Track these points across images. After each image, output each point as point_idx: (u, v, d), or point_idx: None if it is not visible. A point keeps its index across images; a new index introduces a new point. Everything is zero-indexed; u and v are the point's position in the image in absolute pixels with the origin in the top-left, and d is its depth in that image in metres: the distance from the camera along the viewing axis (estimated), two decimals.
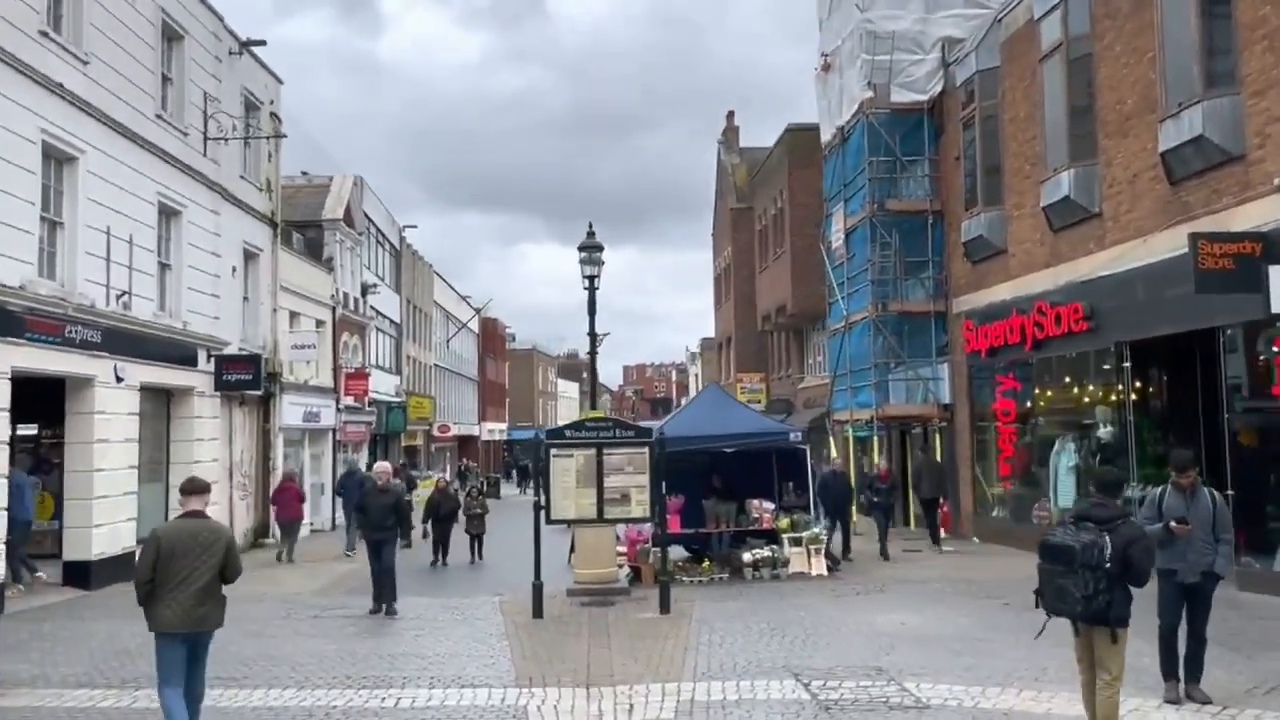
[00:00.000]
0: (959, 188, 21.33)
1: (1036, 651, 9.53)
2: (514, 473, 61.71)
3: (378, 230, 36.67)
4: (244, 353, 21.37)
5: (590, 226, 15.47)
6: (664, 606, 12.76)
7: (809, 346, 34.80)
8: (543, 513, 12.95)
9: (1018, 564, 17.01)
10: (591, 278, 15.41)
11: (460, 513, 20.36)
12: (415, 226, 41.98)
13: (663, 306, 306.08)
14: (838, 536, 17.87)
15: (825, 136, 26.10)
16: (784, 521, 16.60)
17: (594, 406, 15.91)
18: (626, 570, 15.84)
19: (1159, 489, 8.51)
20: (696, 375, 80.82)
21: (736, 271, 41.67)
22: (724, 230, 44.33)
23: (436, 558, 19.41)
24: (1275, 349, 12.40)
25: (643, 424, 14.05)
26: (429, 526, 19.67)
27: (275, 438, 23.95)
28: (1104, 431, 16.75)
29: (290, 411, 24.73)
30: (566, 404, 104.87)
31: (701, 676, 9.15)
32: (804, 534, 16.37)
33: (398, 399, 38.66)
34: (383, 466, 14.81)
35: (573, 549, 19.43)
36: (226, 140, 20.27)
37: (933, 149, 22.42)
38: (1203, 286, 12.20)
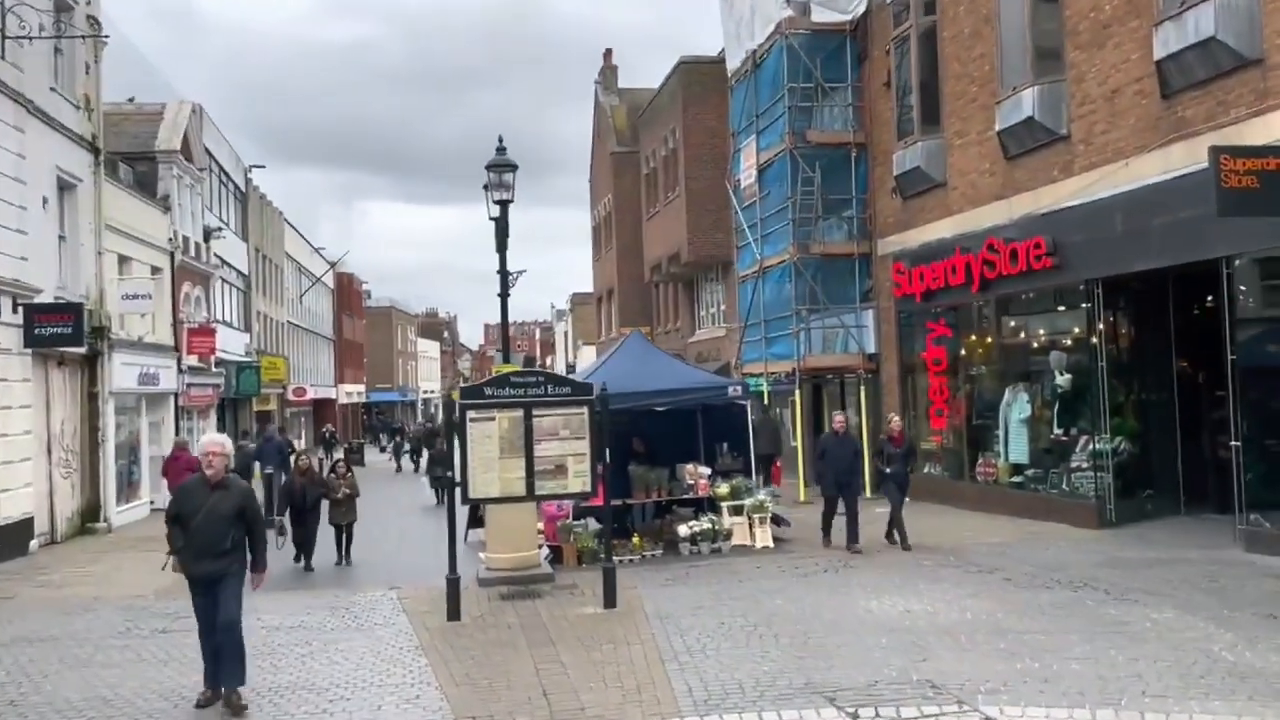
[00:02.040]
0: (887, 117, 19.55)
1: (1099, 645, 7.76)
2: (383, 437, 58.16)
3: (221, 169, 32.53)
4: (61, 301, 17.71)
5: (500, 141, 12.82)
6: (609, 599, 10.48)
7: (701, 297, 32.87)
8: (456, 490, 10.41)
9: (968, 524, 15.55)
10: (503, 203, 12.75)
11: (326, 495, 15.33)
12: (264, 167, 37.75)
13: (514, 265, 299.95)
14: (839, 522, 13.72)
15: (733, 64, 23.91)
16: (723, 488, 14.53)
17: (507, 358, 13.36)
18: (546, 551, 13.47)
19: None
20: (566, 333, 78.30)
21: (619, 220, 39.29)
22: (604, 176, 41.80)
23: (300, 560, 14.78)
24: None
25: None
26: (287, 521, 14.41)
27: (104, 404, 20.31)
28: (1062, 379, 15.32)
29: (122, 373, 21.07)
30: (428, 364, 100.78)
31: (706, 708, 6.91)
32: (746, 501, 14.34)
33: (249, 359, 34.78)
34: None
35: (472, 524, 17.01)
36: (30, 40, 16.47)
37: (855, 75, 20.55)
38: (1226, 208, 10.61)
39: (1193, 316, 14.66)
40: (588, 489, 10.58)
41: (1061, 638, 8.17)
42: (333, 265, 57.48)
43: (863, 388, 20.46)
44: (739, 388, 14.79)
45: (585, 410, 10.59)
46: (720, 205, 29.32)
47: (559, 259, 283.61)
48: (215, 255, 29.92)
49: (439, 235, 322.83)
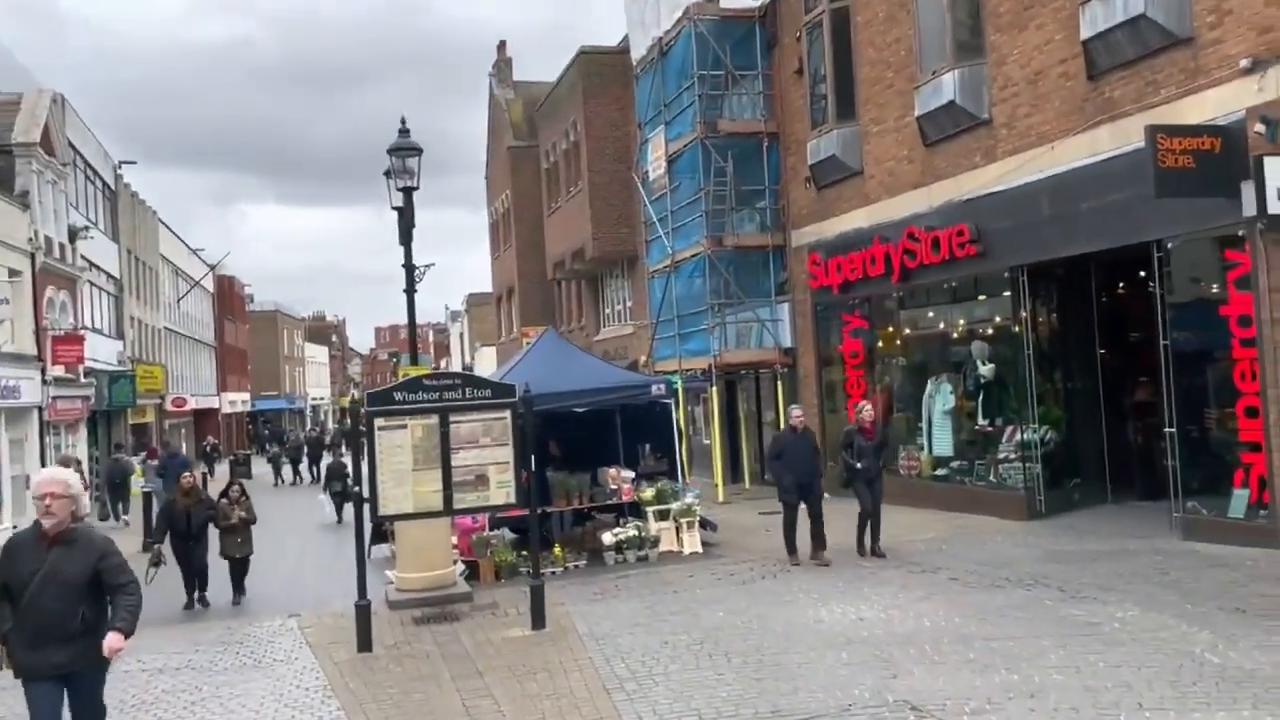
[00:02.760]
0: (799, 106, 19.10)
1: (1074, 651, 7.28)
2: (270, 447, 55.80)
3: (87, 164, 30.24)
4: None
5: (403, 122, 11.71)
6: (537, 619, 9.60)
7: (606, 294, 32.09)
8: (364, 507, 9.37)
9: (897, 519, 15.08)
10: (407, 190, 11.65)
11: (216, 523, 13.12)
12: (134, 162, 35.29)
13: (401, 269, 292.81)
14: (804, 528, 12.14)
15: (638, 52, 23.18)
16: (648, 492, 13.78)
17: (415, 359, 12.27)
18: (461, 567, 12.48)
19: None
20: (462, 335, 76.47)
21: (518, 216, 38.19)
22: (501, 172, 40.62)
23: (191, 598, 12.88)
24: (1232, 261, 10.81)
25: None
26: (166, 549, 12.65)
27: None
28: (985, 369, 15.06)
29: None
30: (316, 370, 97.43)
31: None
32: (673, 506, 13.61)
33: (122, 368, 32.47)
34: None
35: (374, 539, 15.84)
36: None
37: (766, 63, 20.05)
38: (1164, 189, 10.37)
39: (1114, 301, 14.58)
40: (512, 500, 9.67)
41: (1033, 644, 7.66)
42: (213, 268, 54.67)
43: (780, 383, 19.98)
44: (662, 386, 14.04)
45: (507, 414, 9.68)
46: (625, 199, 28.62)
47: (451, 260, 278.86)
48: (82, 257, 27.74)
49: (323, 237, 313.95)
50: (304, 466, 36.99)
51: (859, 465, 12.19)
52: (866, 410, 12.65)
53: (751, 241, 20.00)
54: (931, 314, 16.64)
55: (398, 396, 9.41)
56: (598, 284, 32.72)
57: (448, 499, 9.45)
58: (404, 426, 9.40)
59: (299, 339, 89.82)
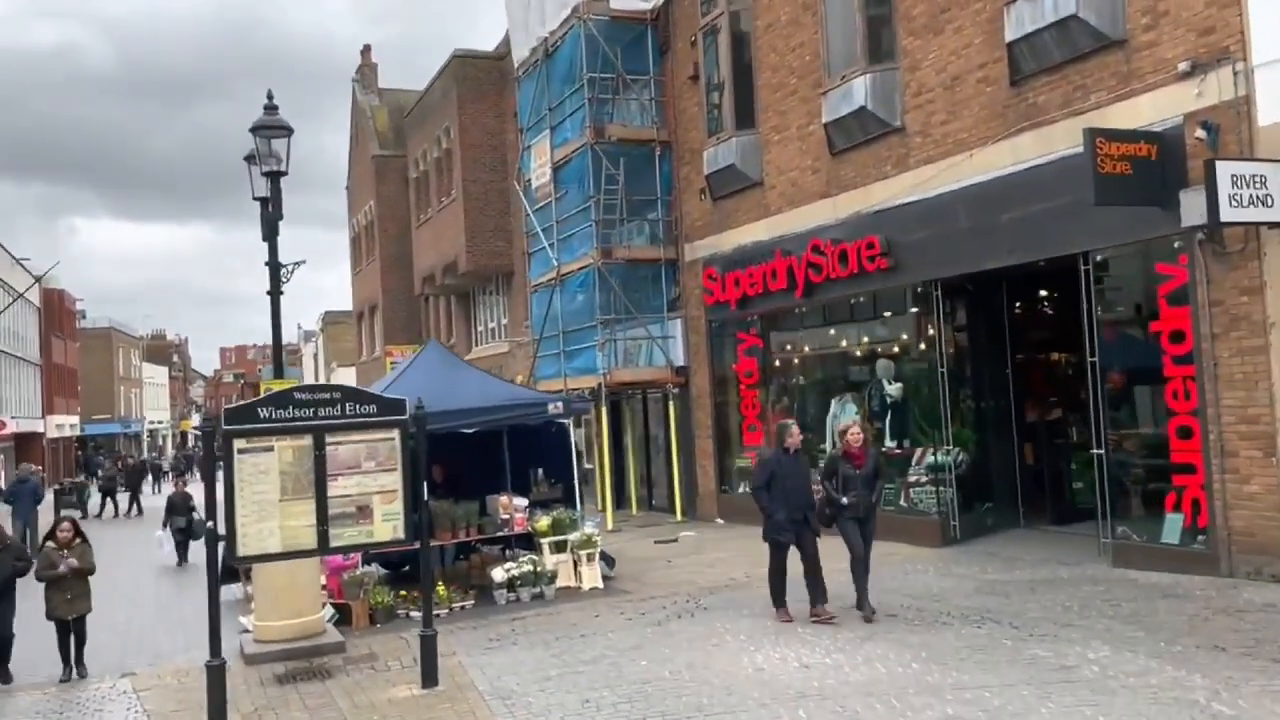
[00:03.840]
0: (694, 113, 18.24)
1: (1064, 702, 6.42)
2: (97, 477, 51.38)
3: None
4: None
5: (270, 97, 10.06)
6: (429, 675, 8.16)
7: (479, 311, 30.55)
8: (218, 545, 7.75)
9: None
10: (274, 174, 9.98)
11: (34, 575, 9.74)
12: None
13: (248, 287, 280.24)
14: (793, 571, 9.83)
15: (520, 53, 21.93)
16: (543, 521, 12.45)
17: (279, 371, 10.50)
18: (330, 611, 10.86)
19: None
20: (316, 355, 72.84)
21: (383, 229, 36.19)
22: (364, 182, 38.51)
23: None
24: (1164, 274, 10.38)
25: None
26: None
27: None
28: (892, 388, 14.42)
29: None
30: (154, 391, 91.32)
31: None
32: (570, 537, 12.33)
33: None
34: None
35: (222, 577, 13.93)
36: None
37: (658, 68, 19.15)
38: (1104, 196, 9.84)
39: (1026, 317, 14.19)
40: (400, 535, 8.21)
41: (1011, 694, 6.76)
42: (38, 279, 50.20)
43: (671, 403, 18.98)
44: (559, 404, 12.75)
45: (396, 434, 8.24)
46: (500, 210, 27.26)
47: (301, 279, 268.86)
48: None
49: (161, 254, 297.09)
50: (124, 498, 32.60)
51: (845, 500, 9.55)
52: (854, 431, 9.91)
53: (643, 254, 18.99)
54: (834, 331, 15.96)
55: (263, 413, 7.84)
56: (470, 300, 31.15)
57: (323, 535, 7.93)
58: (270, 449, 7.84)
59: (136, 359, 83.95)
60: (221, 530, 7.68)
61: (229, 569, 13.83)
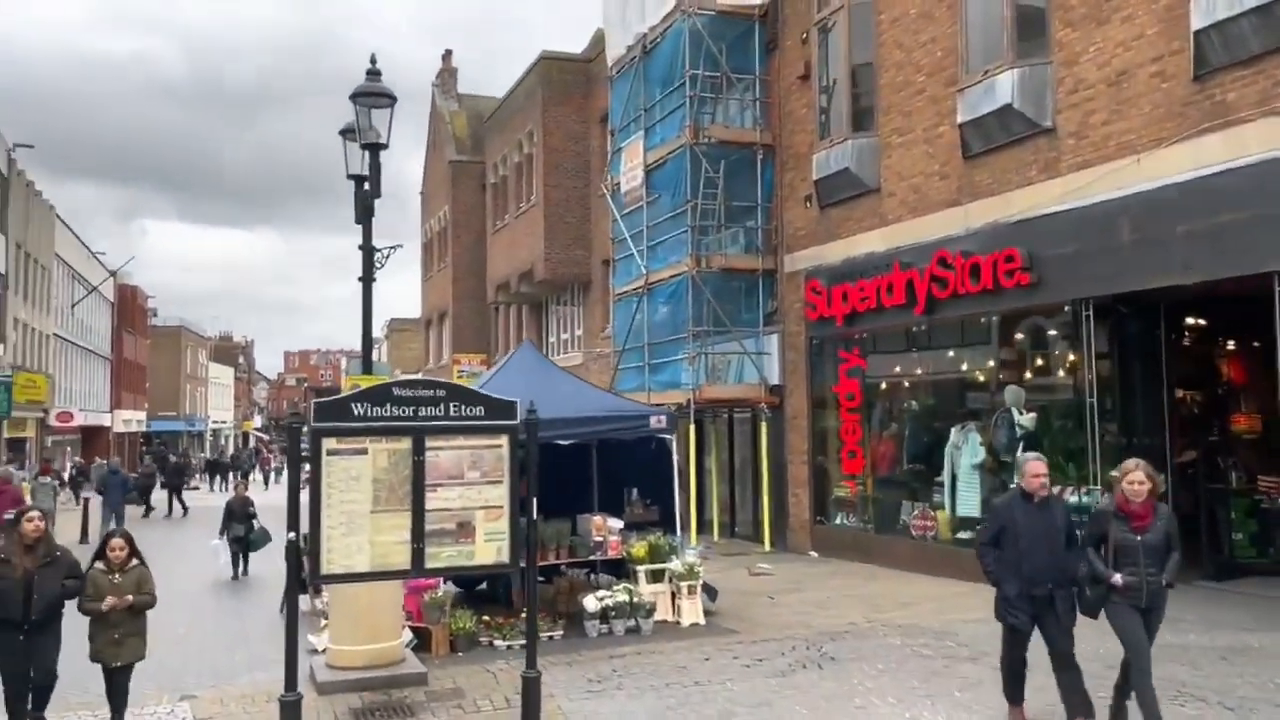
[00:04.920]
0: (802, 115, 17.06)
1: None
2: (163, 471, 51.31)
3: None
4: None
5: (373, 61, 9.08)
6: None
7: (552, 321, 29.60)
8: (299, 561, 6.70)
9: (919, 590, 12.93)
10: (373, 146, 9.00)
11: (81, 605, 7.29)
12: (31, 146, 31.64)
13: (310, 295, 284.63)
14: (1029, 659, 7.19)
15: (615, 51, 20.97)
16: (638, 547, 11.27)
17: (369, 367, 9.46)
18: (409, 635, 9.78)
19: None
20: (380, 361, 72.79)
21: (456, 235, 35.50)
22: (440, 188, 37.91)
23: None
24: None
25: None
26: None
27: None
28: (1025, 419, 13.01)
29: None
30: (220, 391, 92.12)
31: None
32: (671, 565, 11.13)
33: (1, 374, 28.64)
34: None
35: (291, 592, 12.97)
36: None
37: (763, 68, 18.02)
38: None
39: (1185, 344, 12.74)
40: (505, 558, 7.09)
41: None
42: (113, 273, 50.56)
43: (762, 424, 17.70)
44: (662, 418, 11.59)
45: (504, 441, 7.14)
46: (581, 218, 26.33)
47: (358, 287, 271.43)
48: None
49: (228, 259, 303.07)
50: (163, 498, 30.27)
51: (1117, 579, 6.53)
52: (1135, 476, 6.60)
53: (739, 264, 17.80)
54: (953, 353, 14.61)
55: (357, 409, 6.79)
56: (542, 309, 30.25)
57: (418, 554, 6.84)
58: (363, 451, 6.79)
59: (203, 358, 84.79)
60: (305, 543, 6.64)
61: (302, 579, 12.96)
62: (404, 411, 6.90)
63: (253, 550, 16.19)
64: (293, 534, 6.62)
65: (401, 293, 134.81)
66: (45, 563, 7.12)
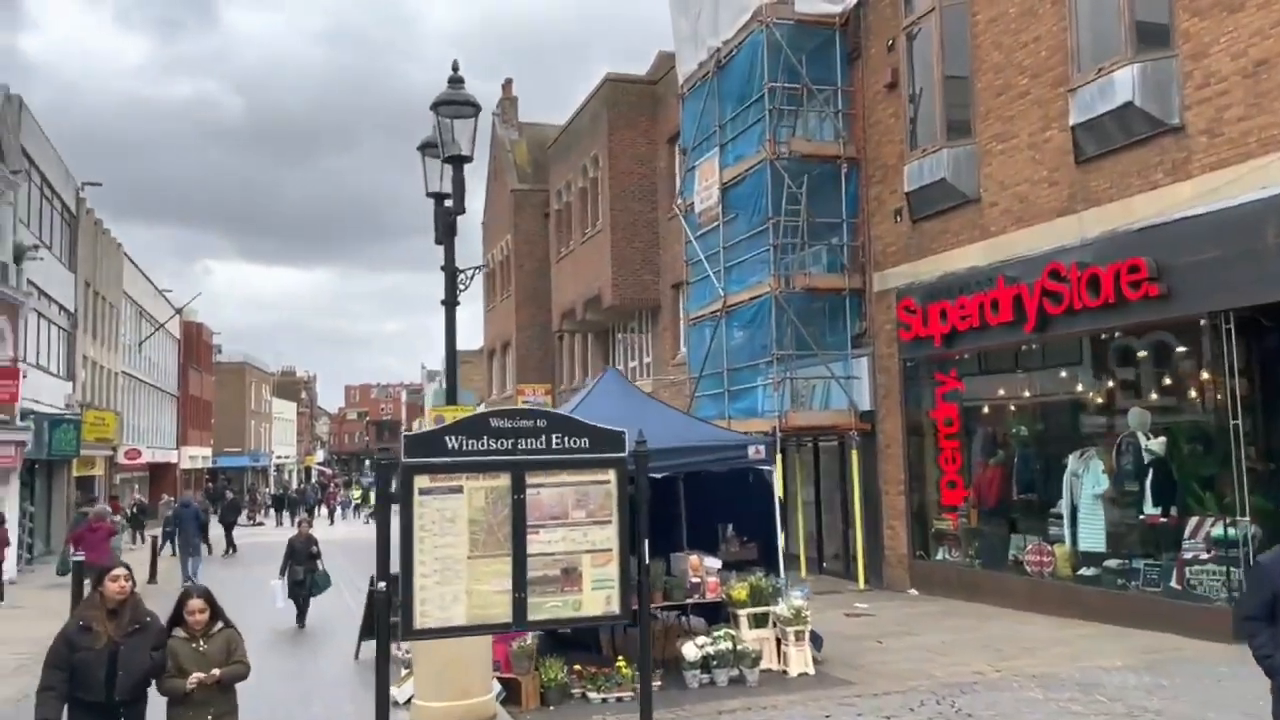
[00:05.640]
0: (889, 125, 16.20)
1: None
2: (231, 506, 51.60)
3: (44, 179, 26.85)
4: None
5: (455, 68, 8.46)
6: None
7: (618, 349, 28.89)
8: (388, 612, 5.94)
9: (1040, 633, 11.83)
10: (456, 159, 8.33)
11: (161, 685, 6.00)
12: (100, 184, 31.93)
13: (366, 330, 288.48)
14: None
15: (687, 67, 20.33)
16: (739, 589, 10.38)
17: (453, 396, 8.74)
18: (498, 688, 8.99)
19: None
20: (439, 394, 72.83)
21: (519, 264, 35.08)
22: (502, 217, 37.59)
23: None
24: None
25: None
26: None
27: None
28: (1154, 444, 11.91)
29: None
30: (283, 426, 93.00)
31: None
32: (778, 609, 10.21)
33: (68, 412, 28.68)
34: None
35: (365, 632, 12.28)
36: None
37: (845, 78, 17.22)
38: None
39: None
40: (615, 609, 6.27)
41: None
42: (179, 311, 51.06)
43: (853, 453, 16.71)
44: (760, 448, 10.73)
45: (612, 475, 6.34)
46: (649, 242, 25.66)
47: (418, 324, 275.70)
48: (29, 282, 24.20)
49: (285, 296, 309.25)
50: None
51: None
52: None
53: (824, 283, 16.90)
54: (1066, 373, 13.56)
55: (450, 442, 6.05)
56: (608, 336, 29.57)
57: (520, 605, 6.04)
58: (458, 490, 6.03)
59: (267, 394, 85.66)
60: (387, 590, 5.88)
61: (372, 621, 12.24)
62: (502, 444, 6.14)
63: (314, 594, 15.10)
64: (383, 583, 5.87)
65: (469, 322, 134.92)
66: (132, 630, 5.93)
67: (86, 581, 14.96)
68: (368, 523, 48.09)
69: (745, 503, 11.64)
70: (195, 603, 6.14)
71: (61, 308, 29.12)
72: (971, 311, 14.09)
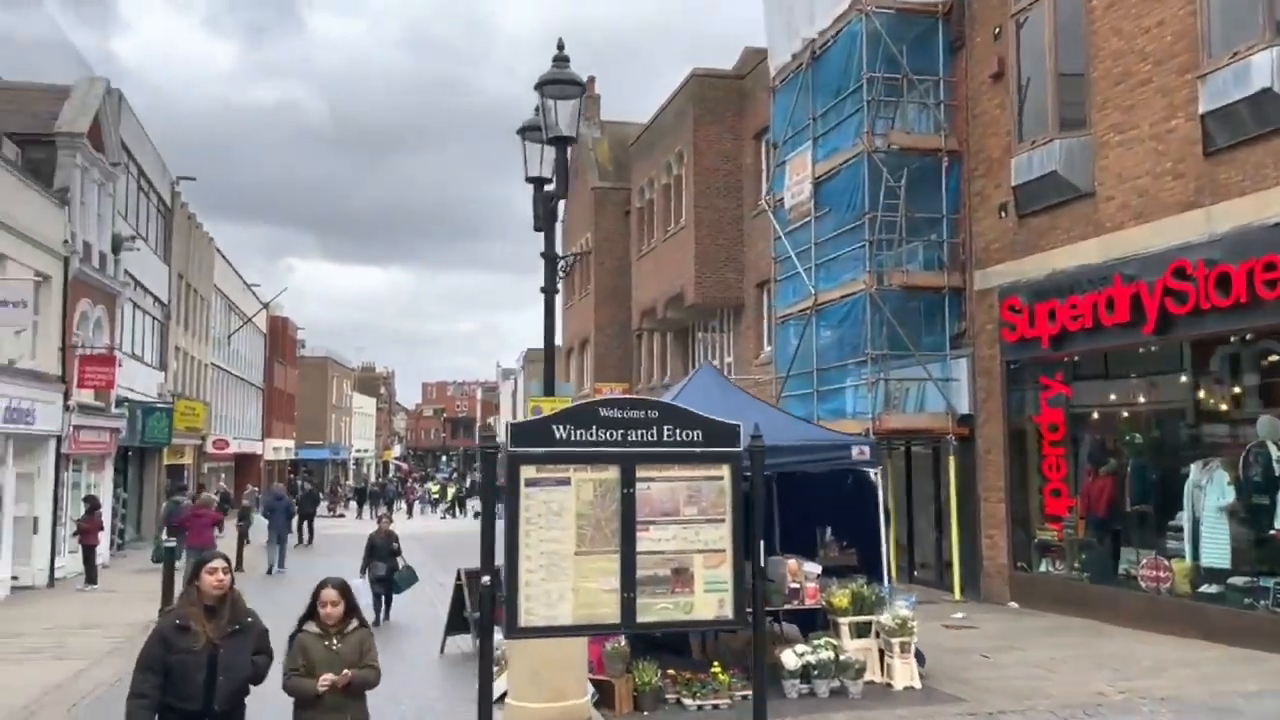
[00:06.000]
0: (994, 117, 15.53)
1: None
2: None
3: (141, 172, 27.49)
4: None
5: (560, 46, 8.18)
6: None
7: (698, 348, 28.48)
8: (494, 611, 5.66)
9: (1160, 652, 11.11)
10: (561, 141, 8.03)
11: (282, 683, 5.52)
12: (194, 179, 32.65)
13: (441, 329, 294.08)
14: None
15: (779, 59, 19.84)
16: (840, 596, 9.91)
17: (551, 387, 8.43)
18: (591, 691, 8.67)
19: None
20: (515, 393, 73.23)
21: (599, 262, 34.91)
22: (582, 214, 37.47)
23: None
24: None
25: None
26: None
27: None
28: None
29: None
30: (363, 420, 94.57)
31: None
32: (882, 618, 9.72)
33: (160, 401, 29.32)
34: None
35: (451, 625, 12.12)
36: None
37: (947, 69, 16.58)
38: None
39: None
40: (728, 613, 5.89)
41: None
42: (266, 305, 52.11)
43: (951, 458, 16.05)
44: (865, 449, 10.25)
45: (726, 471, 5.97)
46: (733, 239, 25.22)
47: (490, 324, 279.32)
48: (126, 272, 24.75)
49: (363, 294, 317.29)
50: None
51: None
52: None
53: (922, 281, 16.29)
54: (1185, 378, 12.77)
55: (558, 431, 5.74)
56: (688, 335, 29.18)
57: (628, 605, 5.71)
58: (566, 482, 5.73)
59: (348, 389, 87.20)
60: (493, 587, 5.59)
61: (462, 617, 12.07)
62: (611, 435, 5.82)
63: (397, 591, 14.79)
64: (487, 578, 5.59)
65: (525, 328, 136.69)
66: (232, 631, 5.36)
67: (178, 565, 15.24)
68: (444, 518, 48.52)
69: (842, 505, 11.18)
70: (330, 593, 5.60)
71: (155, 299, 29.80)
72: (1084, 311, 13.37)
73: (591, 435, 5.79)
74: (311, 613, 5.63)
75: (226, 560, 5.61)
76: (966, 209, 16.16)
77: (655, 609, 5.79)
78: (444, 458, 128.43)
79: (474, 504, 51.00)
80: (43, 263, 18.75)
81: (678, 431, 5.95)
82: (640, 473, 5.83)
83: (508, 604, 5.53)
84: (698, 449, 5.94)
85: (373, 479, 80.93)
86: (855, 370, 16.91)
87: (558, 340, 39.89)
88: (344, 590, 5.66)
